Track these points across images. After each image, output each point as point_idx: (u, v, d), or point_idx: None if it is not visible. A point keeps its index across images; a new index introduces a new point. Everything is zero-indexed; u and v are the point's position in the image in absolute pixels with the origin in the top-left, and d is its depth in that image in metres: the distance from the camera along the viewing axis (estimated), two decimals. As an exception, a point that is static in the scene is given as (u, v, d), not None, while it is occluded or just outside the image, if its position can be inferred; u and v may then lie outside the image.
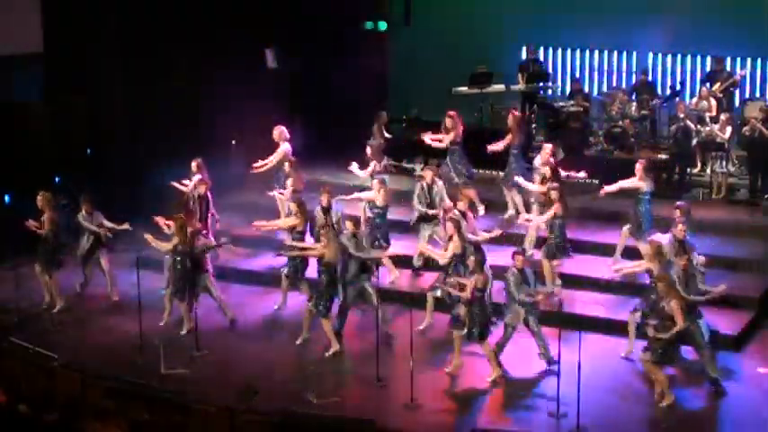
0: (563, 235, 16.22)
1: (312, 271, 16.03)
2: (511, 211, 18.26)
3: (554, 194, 16.08)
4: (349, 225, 15.30)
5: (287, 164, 17.94)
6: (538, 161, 17.58)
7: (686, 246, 14.63)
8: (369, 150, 18.21)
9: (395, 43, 22.61)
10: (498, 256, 15.88)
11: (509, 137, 18.26)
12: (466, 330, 14.29)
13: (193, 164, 17.78)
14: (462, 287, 14.33)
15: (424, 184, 17.04)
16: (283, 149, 18.40)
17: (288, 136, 18.61)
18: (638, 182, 16.39)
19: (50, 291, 16.80)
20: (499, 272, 14.93)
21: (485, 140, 18.85)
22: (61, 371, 13.62)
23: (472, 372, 14.53)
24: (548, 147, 17.57)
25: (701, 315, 14.12)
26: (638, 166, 16.51)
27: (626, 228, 16.61)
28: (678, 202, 15.79)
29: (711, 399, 13.88)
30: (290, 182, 17.46)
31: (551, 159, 17.28)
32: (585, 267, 16.91)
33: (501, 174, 18.67)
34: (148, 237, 16.06)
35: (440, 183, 17.13)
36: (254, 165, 18.49)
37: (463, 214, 15.78)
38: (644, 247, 15.15)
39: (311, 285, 15.80)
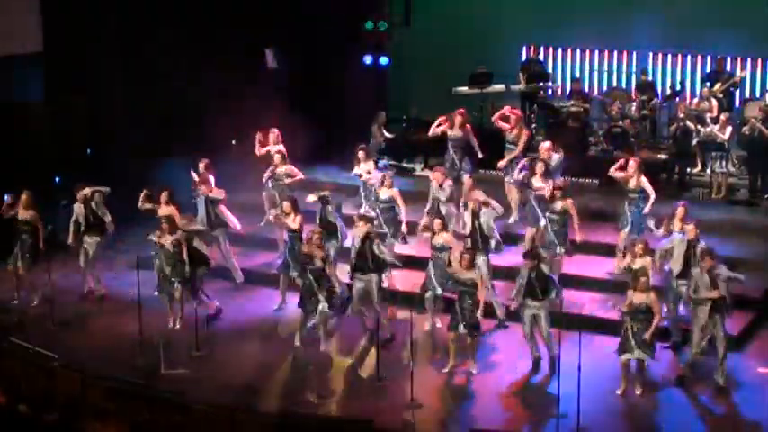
0: (564, 234, 16.21)
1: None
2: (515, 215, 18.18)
3: (558, 193, 16.15)
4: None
5: (279, 156, 17.96)
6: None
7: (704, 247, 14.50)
8: (361, 153, 18.06)
9: (395, 43, 22.60)
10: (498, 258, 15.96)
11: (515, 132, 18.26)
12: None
13: (201, 165, 17.59)
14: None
15: (435, 185, 17.04)
16: (278, 149, 18.37)
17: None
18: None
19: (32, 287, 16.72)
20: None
21: (484, 140, 18.84)
22: (61, 371, 13.61)
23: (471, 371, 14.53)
24: (545, 144, 17.58)
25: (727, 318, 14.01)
26: (633, 164, 16.51)
27: (619, 226, 16.62)
28: (681, 202, 15.65)
29: (712, 399, 13.87)
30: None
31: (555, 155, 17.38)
32: (585, 267, 16.91)
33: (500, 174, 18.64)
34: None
35: (449, 182, 17.09)
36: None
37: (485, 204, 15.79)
38: (638, 247, 15.07)
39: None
